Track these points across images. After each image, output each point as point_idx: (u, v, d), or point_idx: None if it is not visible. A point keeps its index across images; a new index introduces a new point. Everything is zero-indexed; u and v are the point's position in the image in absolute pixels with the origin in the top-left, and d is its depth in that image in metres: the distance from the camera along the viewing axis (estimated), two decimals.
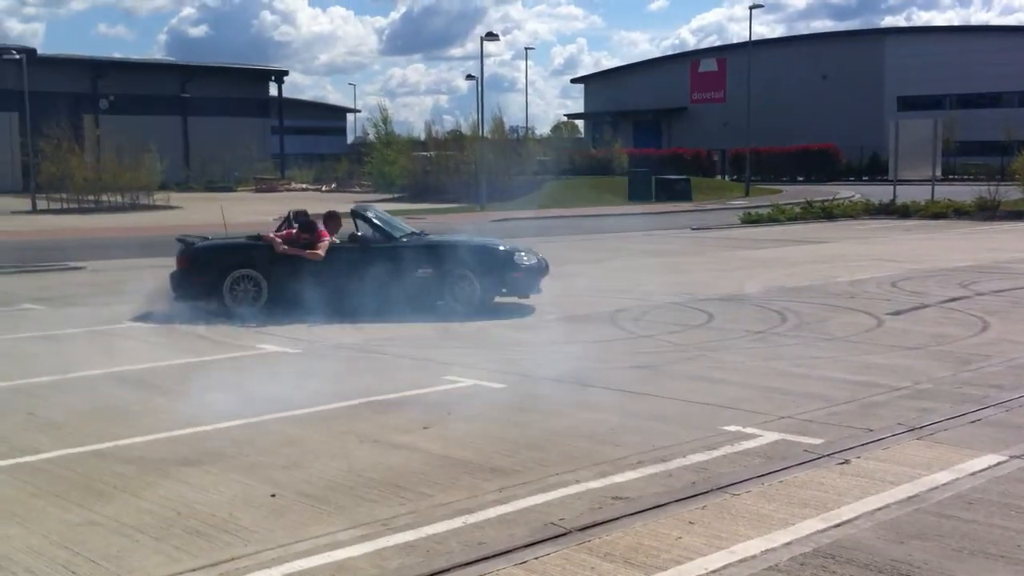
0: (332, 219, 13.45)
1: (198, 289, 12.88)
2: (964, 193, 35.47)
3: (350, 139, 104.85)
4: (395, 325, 11.88)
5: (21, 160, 53.54)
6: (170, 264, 13.51)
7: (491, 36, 47.27)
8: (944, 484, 5.88)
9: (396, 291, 12.55)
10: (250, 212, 40.75)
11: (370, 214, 13.39)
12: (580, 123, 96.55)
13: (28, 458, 6.60)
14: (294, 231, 13.11)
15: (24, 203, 43.76)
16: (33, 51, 58.73)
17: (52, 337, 11.41)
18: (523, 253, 13.23)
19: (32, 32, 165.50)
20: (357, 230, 13.25)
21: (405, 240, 13.13)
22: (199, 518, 5.46)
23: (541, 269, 13.26)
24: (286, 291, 12.68)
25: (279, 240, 12.92)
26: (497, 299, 13.06)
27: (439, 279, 12.85)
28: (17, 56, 45.76)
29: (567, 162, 57.18)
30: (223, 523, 5.38)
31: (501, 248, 13.34)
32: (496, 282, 12.98)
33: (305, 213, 13.38)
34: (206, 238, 13.76)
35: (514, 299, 13.20)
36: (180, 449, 6.78)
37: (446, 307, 12.78)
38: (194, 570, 4.75)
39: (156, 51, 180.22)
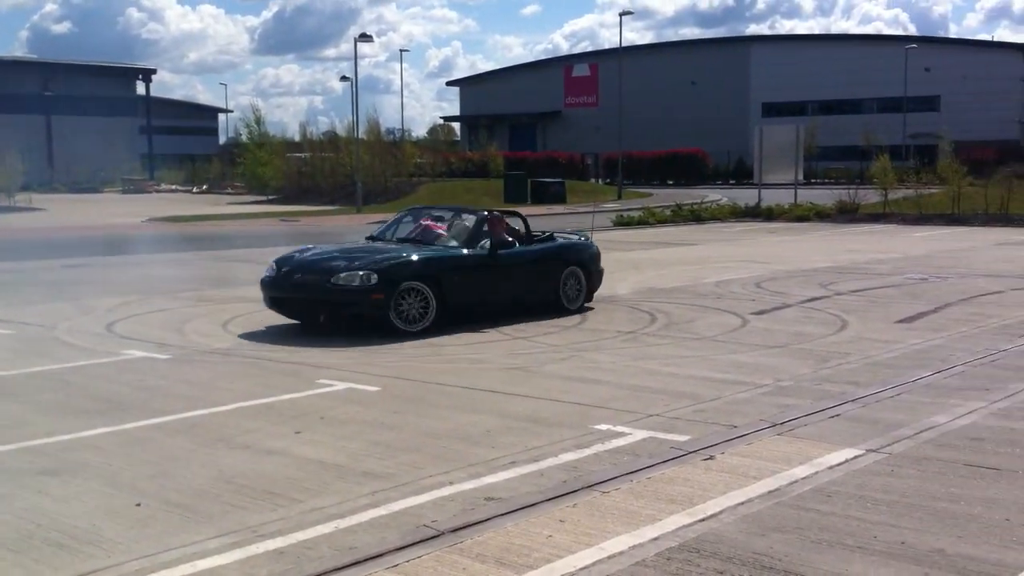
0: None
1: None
2: (825, 196, 36.83)
3: (222, 140, 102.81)
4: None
5: None
6: (26, 269, 13.01)
7: (365, 37, 46.97)
8: (803, 478, 6.10)
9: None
10: (116, 214, 39.66)
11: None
12: (456, 126, 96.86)
13: None
14: None
15: None
16: None
17: None
18: None
19: None
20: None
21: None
22: (60, 530, 5.29)
23: None
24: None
25: None
26: None
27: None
28: None
29: (443, 164, 57.28)
30: (85, 534, 5.22)
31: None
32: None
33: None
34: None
35: None
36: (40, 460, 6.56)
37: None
38: None
39: (17, 48, 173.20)
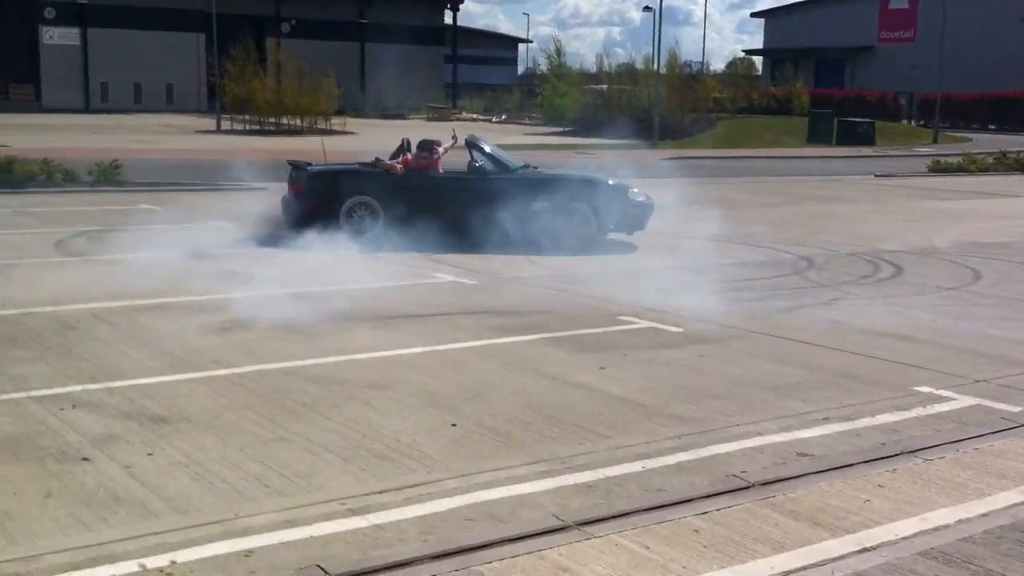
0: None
1: (312, 215, 12.53)
2: None
3: (521, 70, 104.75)
4: (552, 258, 11.85)
5: (207, 80, 55.62)
6: None
7: None
8: None
9: (513, 223, 12.41)
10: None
11: (484, 145, 13.33)
12: (758, 60, 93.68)
13: (223, 371, 6.89)
14: (410, 158, 13.14)
15: (209, 123, 45.50)
16: None
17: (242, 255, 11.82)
18: (635, 189, 13.27)
19: None
20: (473, 160, 13.11)
21: (520, 172, 13.10)
22: (384, 442, 5.58)
23: (650, 207, 13.30)
24: (402, 219, 12.48)
25: (397, 165, 12.96)
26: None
27: (554, 212, 12.73)
28: None
29: (744, 100, 55.65)
30: (407, 448, 5.49)
31: (613, 183, 13.32)
32: (612, 217, 13.02)
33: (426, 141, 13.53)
34: (309, 164, 13.43)
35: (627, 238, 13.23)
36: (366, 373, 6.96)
37: (561, 241, 12.63)
38: (380, 492, 4.86)
39: None
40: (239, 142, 36.88)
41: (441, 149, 13.24)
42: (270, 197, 14.06)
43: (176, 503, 4.70)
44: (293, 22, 68.79)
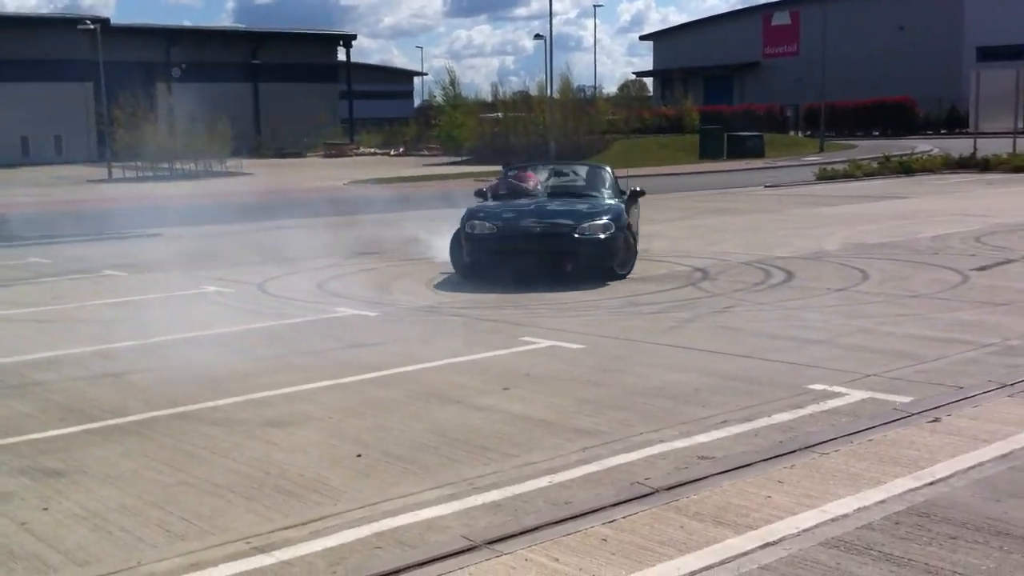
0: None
1: None
2: None
3: (417, 103, 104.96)
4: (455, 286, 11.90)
5: (96, 129, 54.50)
6: (239, 231, 13.61)
7: None
8: None
9: None
10: (321, 178, 41.19)
11: None
12: (649, 81, 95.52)
13: (118, 420, 6.74)
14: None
15: (100, 172, 44.61)
16: (107, 21, 59.53)
17: (134, 303, 11.62)
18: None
19: (103, 2, 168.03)
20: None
21: None
22: (288, 478, 5.52)
23: None
24: None
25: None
26: None
27: None
28: (92, 26, 46.50)
29: (637, 121, 56.64)
30: (311, 483, 5.44)
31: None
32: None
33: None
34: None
35: None
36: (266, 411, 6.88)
37: None
38: (285, 528, 4.81)
39: (224, 19, 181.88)
40: (132, 189, 36.21)
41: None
42: (166, 243, 13.90)
43: (75, 555, 4.58)
44: (184, 66, 67.92)
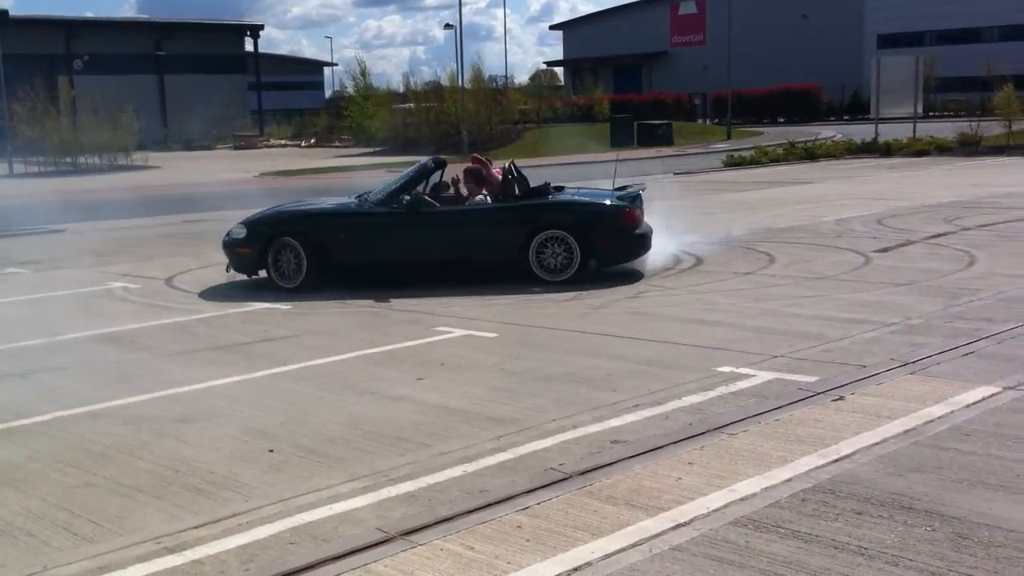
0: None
1: None
2: (946, 130, 35.47)
3: (328, 93, 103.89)
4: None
5: None
6: (146, 225, 13.37)
7: None
8: (940, 417, 5.90)
9: None
10: (229, 170, 40.53)
11: None
12: (560, 71, 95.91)
13: (23, 421, 6.57)
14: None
15: (1, 167, 43.25)
16: (5, 12, 57.59)
17: (39, 301, 11.33)
18: None
19: None
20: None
21: None
22: (198, 475, 5.45)
23: None
24: None
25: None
26: None
27: None
28: None
29: (548, 110, 56.85)
30: (222, 480, 5.37)
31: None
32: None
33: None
34: None
35: None
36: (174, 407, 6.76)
37: None
38: (197, 527, 4.74)
39: (128, 9, 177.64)
40: (34, 185, 35.19)
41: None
42: (70, 239, 13.54)
43: None
44: (86, 58, 66.22)
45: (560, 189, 12.03)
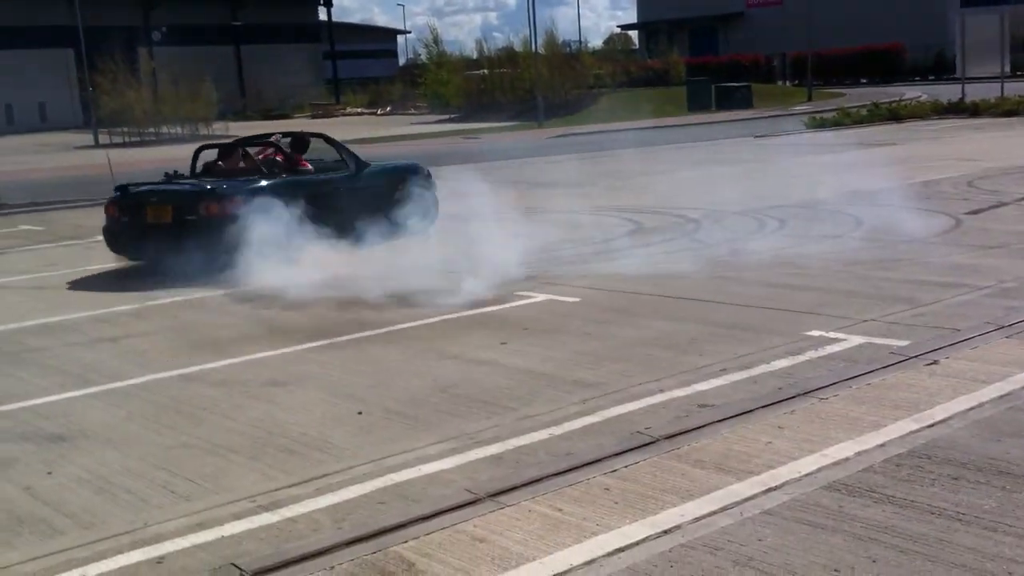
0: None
1: None
2: None
3: (402, 61, 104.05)
4: None
5: (80, 96, 53.96)
6: None
7: None
8: None
9: None
10: None
11: None
12: (634, 34, 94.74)
13: (117, 383, 6.74)
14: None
15: (86, 138, 44.22)
16: None
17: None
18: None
19: None
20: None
21: None
22: (290, 436, 5.54)
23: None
24: None
25: None
26: None
27: None
28: None
29: (623, 74, 56.28)
30: (314, 441, 5.45)
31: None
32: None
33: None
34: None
35: None
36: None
37: None
38: (290, 486, 4.83)
39: None
40: (120, 155, 35.89)
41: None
42: None
43: (80, 518, 4.59)
44: (164, 29, 67.05)
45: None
